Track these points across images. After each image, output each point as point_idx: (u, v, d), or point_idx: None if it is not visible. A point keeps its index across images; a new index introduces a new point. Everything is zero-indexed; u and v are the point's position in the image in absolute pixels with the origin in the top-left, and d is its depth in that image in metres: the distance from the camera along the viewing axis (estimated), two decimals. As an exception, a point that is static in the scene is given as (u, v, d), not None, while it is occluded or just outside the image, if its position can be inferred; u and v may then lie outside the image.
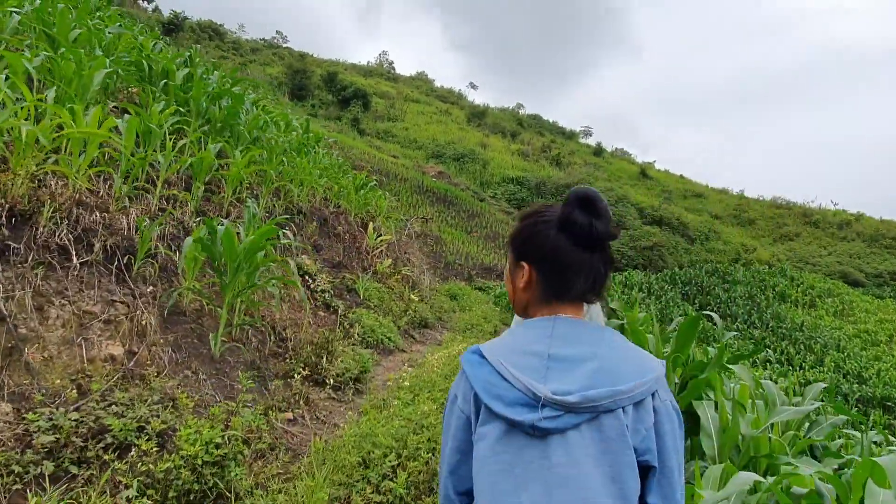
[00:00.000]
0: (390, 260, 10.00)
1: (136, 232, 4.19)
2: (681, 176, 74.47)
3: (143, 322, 3.75)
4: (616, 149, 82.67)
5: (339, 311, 7.26)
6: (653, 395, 1.12)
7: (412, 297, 9.13)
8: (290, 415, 4.00)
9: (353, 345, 6.60)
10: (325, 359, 5.09)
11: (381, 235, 10.48)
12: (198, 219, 5.30)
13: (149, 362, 3.65)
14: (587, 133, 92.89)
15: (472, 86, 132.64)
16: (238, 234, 4.65)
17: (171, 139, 5.14)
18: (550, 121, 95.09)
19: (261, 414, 3.84)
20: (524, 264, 1.26)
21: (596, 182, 47.10)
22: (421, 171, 44.42)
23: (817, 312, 31.73)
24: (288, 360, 4.93)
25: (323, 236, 9.70)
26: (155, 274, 4.24)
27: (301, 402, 4.25)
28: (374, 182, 14.57)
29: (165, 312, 4.19)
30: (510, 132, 76.70)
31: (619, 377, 1.10)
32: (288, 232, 6.19)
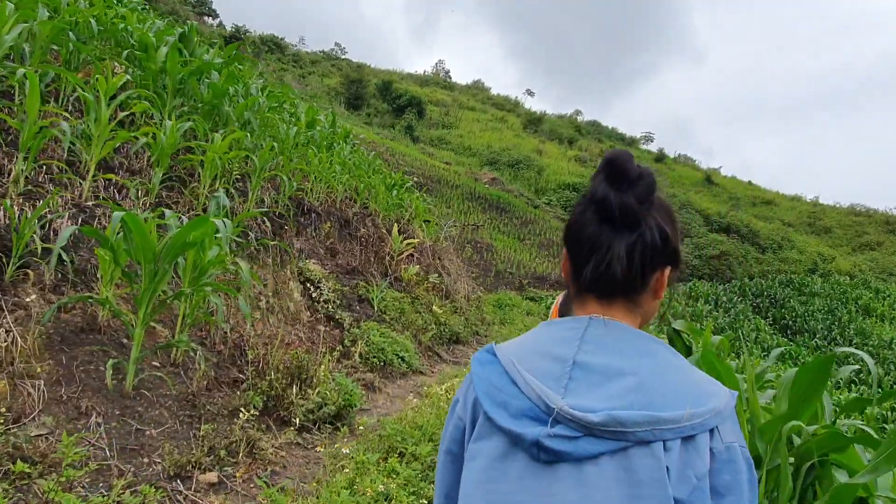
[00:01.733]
0: (418, 267, 8.83)
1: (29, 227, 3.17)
2: (749, 182, 70.97)
3: (6, 344, 2.69)
4: (679, 154, 79.51)
5: (345, 325, 6.14)
6: (711, 432, 0.81)
7: (436, 308, 7.94)
8: (214, 476, 2.87)
9: (353, 367, 5.45)
10: (295, 389, 3.95)
11: (408, 238, 9.34)
12: (150, 213, 4.28)
13: (5, 400, 2.58)
14: (648, 139, 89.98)
15: (529, 92, 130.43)
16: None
17: (133, 118, 4.16)
18: (609, 127, 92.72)
19: (167, 478, 2.72)
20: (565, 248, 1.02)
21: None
22: (474, 177, 43.39)
23: (908, 328, 28.78)
24: (244, 392, 3.81)
25: (343, 239, 8.64)
26: (49, 280, 3.21)
27: (241, 454, 3.12)
28: (412, 182, 13.53)
29: (63, 332, 3.15)
30: (567, 139, 75.09)
31: (665, 401, 0.81)
32: (251, 232, 5.11)
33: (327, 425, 3.98)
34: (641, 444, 0.79)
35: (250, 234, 5.49)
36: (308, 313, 6.08)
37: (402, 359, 6.10)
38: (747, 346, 21.22)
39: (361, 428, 3.99)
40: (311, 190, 7.90)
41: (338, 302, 6.45)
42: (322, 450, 3.47)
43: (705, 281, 30.69)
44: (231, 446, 3.14)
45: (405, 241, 9.02)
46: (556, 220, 40.05)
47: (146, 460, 2.81)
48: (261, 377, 4.02)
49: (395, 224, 9.12)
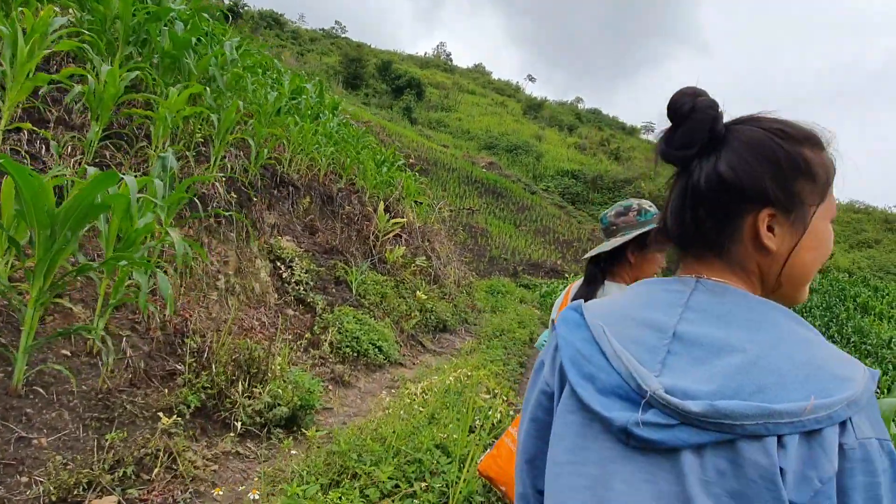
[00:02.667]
0: (404, 248, 8.20)
1: None
2: (749, 175, 70.32)
3: None
4: (680, 145, 78.59)
5: (317, 310, 5.52)
6: (842, 425, 0.66)
7: (420, 294, 7.31)
8: (112, 501, 2.26)
9: (321, 358, 4.83)
10: (240, 385, 3.34)
11: (395, 218, 8.70)
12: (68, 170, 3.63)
13: None
14: (649, 128, 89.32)
15: (531, 78, 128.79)
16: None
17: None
18: (610, 115, 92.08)
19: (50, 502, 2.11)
20: None
21: (657, 178, 44.03)
22: (471, 161, 42.72)
23: (906, 328, 28.35)
24: (178, 389, 3.19)
25: (324, 216, 7.99)
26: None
27: (158, 468, 2.51)
28: (403, 160, 12.84)
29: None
30: (567, 125, 74.50)
31: (782, 386, 0.67)
32: (211, 203, 4.46)
33: (278, 430, 3.36)
34: (752, 438, 0.65)
35: (210, 204, 4.85)
36: (276, 295, 5.46)
37: (380, 349, 5.49)
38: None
39: (321, 433, 3.37)
40: (290, 161, 7.24)
41: (311, 283, 5.82)
42: (261, 469, 2.85)
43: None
44: (145, 459, 2.52)
45: (391, 221, 8.37)
46: (554, 207, 39.40)
47: (24, 480, 2.20)
48: (203, 371, 3.40)
49: (382, 202, 8.45)
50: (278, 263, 5.69)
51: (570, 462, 0.76)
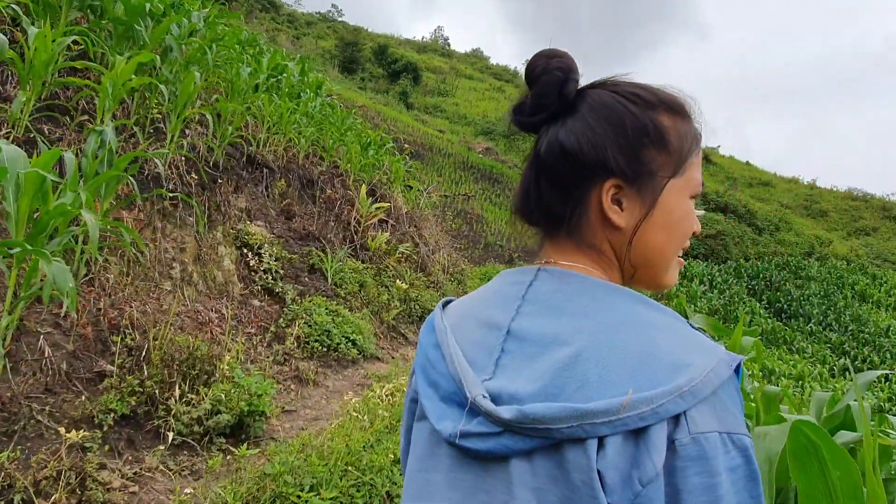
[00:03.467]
0: (387, 235, 7.80)
1: None
2: (747, 163, 70.09)
3: None
4: (678, 132, 78.10)
5: (287, 300, 5.13)
6: (675, 419, 0.60)
7: (399, 283, 6.91)
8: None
9: (286, 354, 4.44)
10: (178, 388, 2.94)
11: (378, 202, 8.28)
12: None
13: None
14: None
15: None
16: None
17: None
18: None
19: None
20: None
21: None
22: (467, 146, 42.16)
23: (904, 316, 28.16)
24: (103, 395, 2.80)
25: (303, 201, 7.57)
26: None
27: (60, 491, 2.12)
28: (392, 143, 12.38)
29: None
30: (565, 111, 73.66)
31: (603, 382, 0.61)
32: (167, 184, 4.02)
33: (221, 439, 2.98)
34: (575, 441, 0.61)
35: (165, 185, 4.43)
36: (241, 285, 5.06)
37: (353, 342, 5.10)
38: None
39: (253, 452, 2.98)
40: (264, 141, 6.82)
41: (281, 272, 5.42)
42: (191, 490, 2.46)
43: (700, 261, 29.88)
44: (41, 484, 2.13)
45: (375, 206, 7.96)
46: (550, 194, 38.86)
47: None
48: (138, 371, 3.00)
49: (364, 185, 8.03)
50: (245, 250, 5.29)
51: (420, 470, 0.74)
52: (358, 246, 7.49)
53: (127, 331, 3.24)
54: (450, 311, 0.80)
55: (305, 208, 7.44)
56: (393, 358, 5.69)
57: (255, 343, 4.28)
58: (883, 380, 20.12)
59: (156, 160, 3.95)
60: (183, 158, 4.80)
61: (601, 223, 0.73)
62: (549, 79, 0.73)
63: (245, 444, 2.89)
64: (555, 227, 0.76)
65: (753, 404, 1.98)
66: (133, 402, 2.83)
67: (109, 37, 4.86)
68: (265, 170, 6.68)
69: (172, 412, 2.87)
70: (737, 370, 0.63)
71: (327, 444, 2.61)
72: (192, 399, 2.98)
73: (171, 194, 4.10)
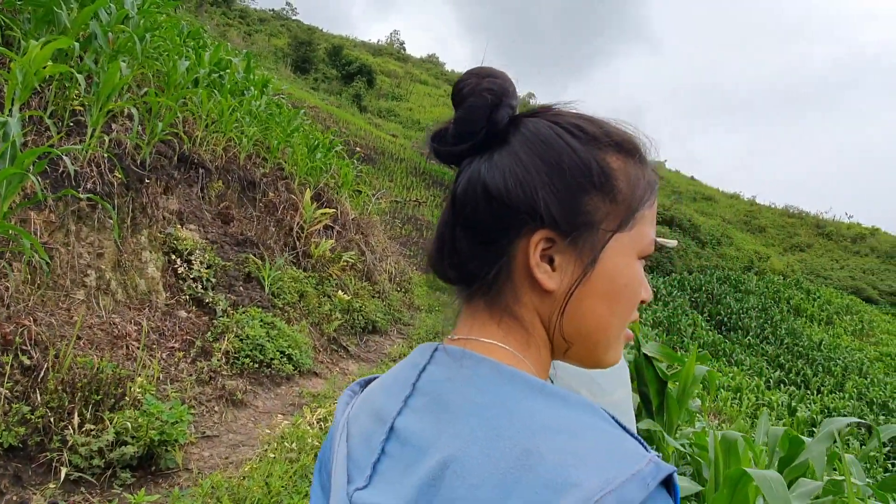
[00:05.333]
0: (332, 241, 7.50)
1: None
2: (692, 177, 72.36)
3: None
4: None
5: (217, 311, 4.78)
6: None
7: (342, 295, 6.63)
8: None
9: (212, 372, 4.10)
10: (77, 415, 2.61)
11: (325, 207, 7.98)
12: None
13: None
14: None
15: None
16: None
17: None
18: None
19: None
20: None
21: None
22: (420, 152, 41.99)
23: (835, 330, 29.53)
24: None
25: (243, 204, 7.20)
26: None
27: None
28: (341, 146, 12.05)
29: None
30: (519, 120, 74.57)
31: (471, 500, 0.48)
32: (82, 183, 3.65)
33: (127, 473, 2.65)
34: None
35: (83, 184, 4.04)
36: (167, 294, 4.69)
37: (289, 357, 4.80)
38: (684, 341, 20.96)
39: (185, 474, 2.68)
40: (202, 140, 6.43)
41: (213, 280, 5.07)
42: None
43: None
44: None
45: (320, 211, 7.65)
46: (502, 202, 39.07)
47: None
48: (33, 395, 2.65)
49: (309, 190, 7.71)
50: (173, 256, 4.92)
51: None
52: (300, 253, 7.16)
53: (23, 348, 2.87)
54: (362, 395, 0.67)
55: (245, 212, 7.07)
56: (332, 373, 5.40)
57: (177, 360, 3.93)
58: (815, 391, 20.88)
59: (65, 157, 3.57)
60: (105, 156, 4.41)
61: (528, 286, 0.59)
62: (477, 102, 0.59)
63: (151, 480, 2.57)
64: (471, 287, 0.61)
65: (711, 454, 1.84)
66: (22, 433, 2.48)
67: (28, 21, 4.45)
68: (201, 170, 6.29)
69: (69, 444, 2.54)
70: (669, 487, 0.48)
71: (243, 484, 2.33)
72: (92, 429, 2.65)
73: (83, 196, 3.72)
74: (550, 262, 0.58)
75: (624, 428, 0.53)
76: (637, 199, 0.61)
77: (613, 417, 0.54)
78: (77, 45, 4.11)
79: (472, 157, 0.61)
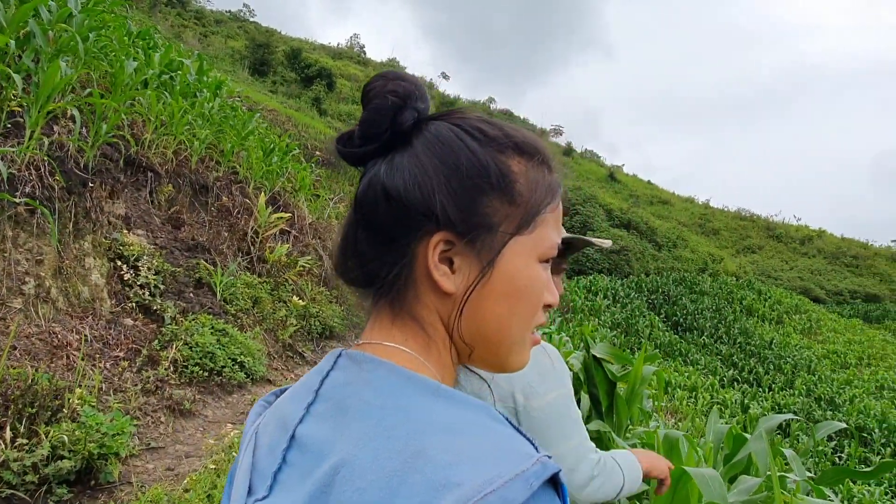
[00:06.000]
0: (288, 246, 7.39)
1: None
2: (648, 181, 73.81)
3: None
4: (585, 150, 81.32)
5: (166, 319, 4.65)
6: None
7: (297, 300, 6.54)
8: None
9: (160, 381, 3.98)
10: (9, 429, 2.49)
11: (281, 211, 7.85)
12: None
13: None
14: (558, 132, 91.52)
15: (444, 76, 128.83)
16: None
17: None
18: (522, 117, 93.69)
19: None
20: None
21: (564, 180, 45.11)
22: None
23: (785, 329, 30.48)
24: None
25: (195, 209, 7.03)
26: None
27: None
28: (298, 149, 11.89)
29: None
30: (479, 125, 75.14)
31: None
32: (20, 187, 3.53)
33: (63, 489, 2.54)
34: None
35: (21, 188, 3.88)
36: (112, 302, 4.53)
37: (241, 365, 4.69)
38: (641, 342, 21.33)
39: (127, 488, 2.57)
40: (150, 143, 6.26)
41: (162, 287, 4.93)
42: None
43: (605, 275, 30.98)
44: None
45: (275, 215, 7.53)
46: (463, 206, 39.19)
47: None
48: (-40, 410, 2.52)
49: (263, 194, 7.59)
50: (119, 262, 4.76)
51: None
52: (255, 258, 7.03)
53: (-50, 360, 2.73)
54: (275, 404, 0.65)
55: (196, 217, 6.91)
56: (287, 380, 5.31)
57: (121, 369, 3.80)
58: (767, 388, 21.51)
59: (40, 163, 3.42)
60: (45, 159, 4.24)
61: (429, 288, 0.59)
62: (382, 104, 0.60)
63: (90, 495, 2.47)
64: (373, 290, 0.61)
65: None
66: (-53, 450, 2.36)
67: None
68: (150, 174, 6.13)
69: (0, 459, 2.41)
70: (556, 486, 0.47)
71: (185, 497, 2.26)
72: (25, 443, 2.53)
73: (19, 200, 3.57)
74: (451, 264, 0.58)
75: (517, 429, 0.53)
76: (537, 202, 0.61)
77: (508, 419, 0.54)
78: (13, 43, 3.95)
79: (375, 159, 0.61)
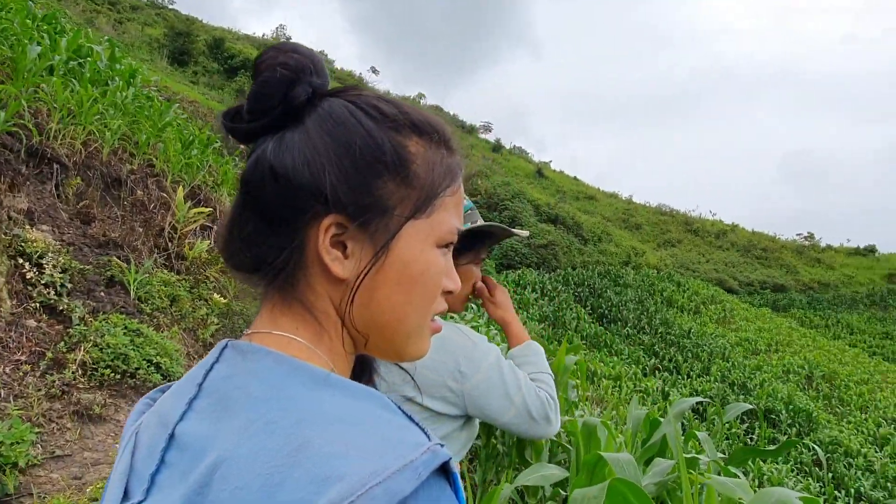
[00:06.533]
0: (208, 242, 7.12)
1: None
2: (574, 178, 75.66)
3: None
4: (514, 146, 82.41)
5: (73, 320, 4.37)
6: None
7: (218, 298, 6.32)
8: None
9: (66, 385, 3.75)
10: None
11: (201, 206, 7.56)
12: None
13: None
14: (487, 128, 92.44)
15: (374, 70, 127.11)
16: None
17: None
18: (451, 113, 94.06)
19: None
20: None
21: (493, 176, 45.75)
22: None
23: (702, 319, 31.99)
24: None
25: (107, 203, 6.66)
26: None
27: None
28: (219, 142, 11.49)
29: None
30: (409, 120, 74.97)
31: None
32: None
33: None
34: None
35: None
36: (13, 302, 4.23)
37: (157, 366, 4.48)
38: (568, 334, 21.88)
39: (27, 499, 2.40)
40: (56, 133, 5.88)
41: (69, 286, 4.63)
42: None
43: (532, 269, 31.58)
44: None
45: (195, 210, 7.23)
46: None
47: None
48: None
49: (181, 188, 7.28)
50: (21, 260, 4.45)
51: None
52: (173, 255, 6.73)
53: None
54: (158, 401, 0.61)
55: (108, 211, 6.54)
56: (207, 381, 5.12)
57: (22, 374, 3.55)
58: (686, 376, 22.54)
59: None
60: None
61: (320, 273, 0.56)
62: (271, 77, 0.56)
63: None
64: (262, 276, 0.58)
65: (570, 438, 1.90)
66: None
67: None
68: (56, 165, 5.75)
69: None
70: (448, 475, 0.46)
71: (89, 507, 2.14)
72: None
73: None
74: (344, 248, 0.56)
75: (410, 418, 0.51)
76: (435, 185, 0.59)
77: (400, 408, 0.52)
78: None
79: (265, 136, 0.58)
